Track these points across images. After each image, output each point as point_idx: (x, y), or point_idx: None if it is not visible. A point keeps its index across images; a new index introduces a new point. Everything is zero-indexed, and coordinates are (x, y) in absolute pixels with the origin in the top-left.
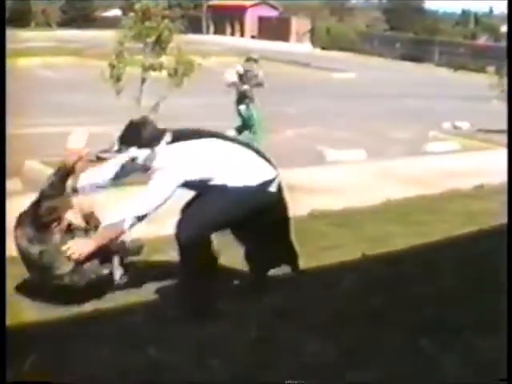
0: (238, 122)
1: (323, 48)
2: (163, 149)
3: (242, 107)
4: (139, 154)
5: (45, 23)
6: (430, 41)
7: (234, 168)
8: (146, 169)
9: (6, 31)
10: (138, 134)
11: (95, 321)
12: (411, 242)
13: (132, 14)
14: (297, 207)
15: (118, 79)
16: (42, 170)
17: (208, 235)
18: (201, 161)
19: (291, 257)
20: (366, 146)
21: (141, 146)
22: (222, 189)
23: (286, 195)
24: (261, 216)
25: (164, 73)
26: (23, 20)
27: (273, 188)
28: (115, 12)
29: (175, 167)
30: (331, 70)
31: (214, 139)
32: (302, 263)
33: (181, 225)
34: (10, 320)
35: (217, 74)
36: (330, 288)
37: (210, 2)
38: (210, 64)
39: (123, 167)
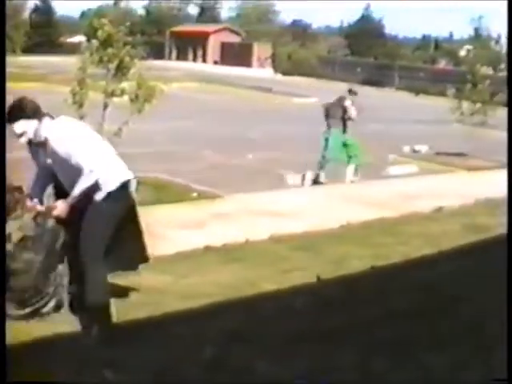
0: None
1: (285, 73)
2: (48, 122)
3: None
4: (28, 125)
5: (10, 49)
6: (390, 65)
7: (107, 159)
8: (35, 144)
9: None
10: (21, 109)
11: None
12: (369, 264)
13: (94, 41)
14: (257, 230)
15: (81, 105)
16: None
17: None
18: (81, 140)
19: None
20: (327, 170)
21: (27, 118)
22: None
23: (234, 216)
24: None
25: (126, 98)
26: None
27: (132, 188)
28: (80, 38)
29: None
30: (293, 95)
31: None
32: (263, 286)
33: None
34: None
35: (179, 99)
36: (286, 310)
37: (173, 28)
38: (172, 89)
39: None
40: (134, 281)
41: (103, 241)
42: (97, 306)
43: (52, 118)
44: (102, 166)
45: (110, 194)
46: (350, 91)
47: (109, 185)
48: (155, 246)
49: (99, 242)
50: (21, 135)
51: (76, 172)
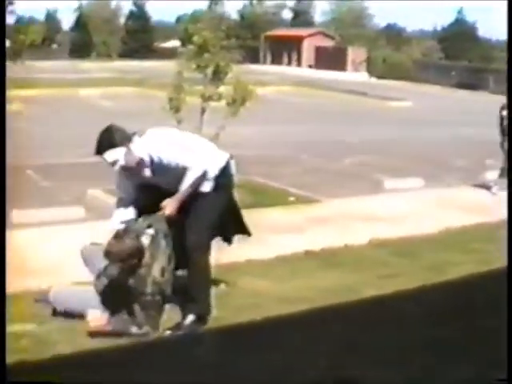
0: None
1: (379, 77)
2: (138, 141)
3: None
4: (117, 154)
5: (105, 54)
6: (484, 69)
7: (205, 149)
8: (128, 168)
9: (68, 61)
10: (110, 139)
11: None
12: (469, 270)
13: (191, 47)
14: (356, 235)
15: (177, 110)
16: (104, 199)
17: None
18: (176, 142)
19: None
20: (424, 174)
21: (115, 146)
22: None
23: (332, 220)
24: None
25: (222, 102)
26: (84, 51)
27: (233, 170)
28: (174, 43)
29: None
30: (388, 98)
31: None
32: (364, 291)
33: (189, 233)
34: None
35: (275, 103)
36: (388, 317)
37: (268, 33)
38: (268, 93)
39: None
40: (235, 284)
41: (211, 230)
42: (199, 296)
43: (139, 135)
44: (203, 158)
45: (215, 183)
46: None
47: (212, 173)
48: (254, 249)
49: (208, 232)
50: (113, 163)
51: (182, 173)
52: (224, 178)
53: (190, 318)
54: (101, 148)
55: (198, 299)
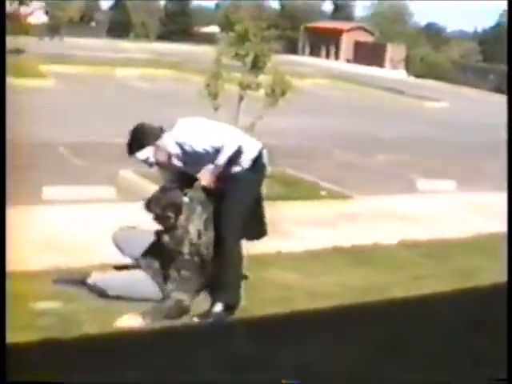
0: None
1: (417, 76)
2: (167, 136)
3: None
4: (147, 152)
5: (144, 35)
6: None
7: (238, 135)
8: (160, 163)
9: (106, 40)
10: (142, 139)
11: None
12: (499, 277)
13: (231, 34)
14: (386, 234)
15: (215, 97)
16: (135, 180)
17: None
18: (207, 130)
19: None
20: (457, 177)
21: (144, 146)
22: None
23: (363, 217)
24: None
25: (260, 92)
26: (122, 31)
27: (265, 159)
28: (213, 28)
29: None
30: (425, 98)
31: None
32: (393, 292)
33: (223, 221)
34: None
35: (311, 96)
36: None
37: (308, 24)
38: (305, 85)
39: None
40: (264, 276)
41: (244, 216)
42: (229, 285)
43: (169, 129)
44: (237, 139)
45: (250, 167)
46: None
47: (246, 158)
48: (284, 242)
49: (240, 217)
50: (145, 161)
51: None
52: (257, 167)
53: (219, 306)
54: (131, 148)
55: (228, 288)
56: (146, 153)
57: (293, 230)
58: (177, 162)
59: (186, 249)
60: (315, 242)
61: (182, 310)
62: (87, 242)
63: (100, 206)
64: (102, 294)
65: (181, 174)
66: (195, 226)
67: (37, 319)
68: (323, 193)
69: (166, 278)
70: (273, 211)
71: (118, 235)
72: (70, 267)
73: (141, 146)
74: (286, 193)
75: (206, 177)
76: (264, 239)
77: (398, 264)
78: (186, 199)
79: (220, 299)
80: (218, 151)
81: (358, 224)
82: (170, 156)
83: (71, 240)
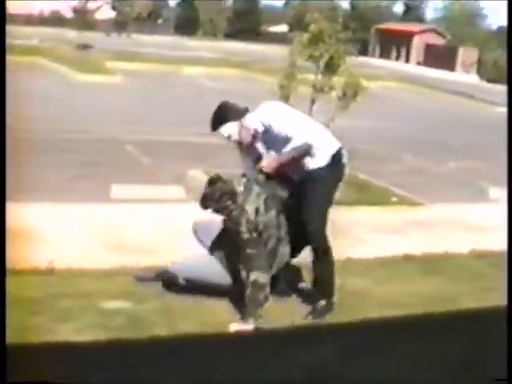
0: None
1: (489, 80)
2: (251, 115)
3: None
4: (231, 128)
5: (211, 33)
6: None
7: (317, 130)
8: (242, 143)
9: (173, 37)
10: (226, 114)
11: None
12: None
13: (306, 35)
14: (457, 243)
15: (287, 98)
16: (204, 180)
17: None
18: (288, 115)
19: None
20: None
21: (229, 121)
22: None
23: (434, 225)
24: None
25: (332, 94)
26: (190, 28)
27: (345, 159)
28: (282, 28)
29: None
30: (497, 103)
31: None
32: (464, 302)
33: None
34: None
35: (382, 98)
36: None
37: (379, 26)
38: (376, 88)
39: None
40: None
41: (326, 212)
42: (328, 281)
43: (253, 110)
44: (312, 133)
45: (329, 165)
46: None
47: (324, 155)
48: (355, 248)
49: (325, 216)
50: (228, 137)
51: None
52: (336, 166)
53: (322, 302)
54: (215, 123)
55: (326, 284)
56: (230, 129)
57: (363, 235)
58: (259, 145)
59: (243, 227)
60: (385, 248)
61: (260, 287)
62: (156, 242)
63: (169, 205)
64: (172, 281)
65: (258, 160)
66: (252, 204)
67: (106, 318)
68: (394, 199)
69: (236, 262)
70: (343, 216)
71: (197, 225)
72: (139, 267)
73: (224, 121)
74: (357, 198)
75: (268, 163)
76: (334, 245)
77: (468, 274)
78: (243, 179)
79: (321, 296)
80: (289, 139)
81: (428, 232)
82: (254, 136)
83: (140, 240)
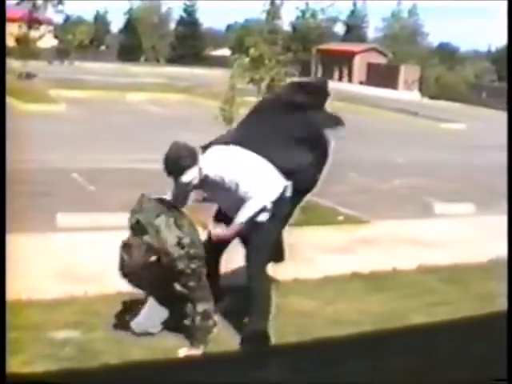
0: None
1: (432, 97)
2: (203, 158)
3: None
4: (193, 173)
5: (154, 59)
6: None
7: (266, 176)
8: (195, 186)
9: (116, 64)
10: (182, 159)
11: None
12: None
13: (246, 59)
14: (404, 259)
15: (230, 121)
16: None
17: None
18: (239, 164)
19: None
20: (475, 200)
21: (190, 167)
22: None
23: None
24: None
25: None
26: (133, 54)
27: (288, 193)
28: (224, 51)
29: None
30: (440, 119)
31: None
32: (412, 318)
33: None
34: None
35: None
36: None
37: (320, 46)
38: None
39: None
40: (283, 303)
41: (269, 255)
42: (260, 316)
43: (202, 151)
44: (263, 188)
45: (273, 213)
46: None
47: (270, 202)
48: (302, 268)
49: (266, 258)
50: (187, 184)
51: (240, 199)
52: (281, 204)
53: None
54: (175, 172)
55: (258, 318)
56: (190, 176)
57: (311, 255)
58: (207, 189)
59: (178, 262)
60: (333, 267)
61: (208, 316)
62: (103, 270)
63: (116, 233)
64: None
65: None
66: (170, 235)
67: (56, 349)
68: (340, 218)
69: (177, 296)
70: (290, 237)
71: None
72: (87, 296)
73: (184, 169)
74: (304, 218)
75: (220, 235)
76: (282, 266)
77: (417, 290)
78: (157, 222)
79: (252, 326)
80: (243, 198)
81: (375, 249)
82: (203, 179)
83: (87, 268)
